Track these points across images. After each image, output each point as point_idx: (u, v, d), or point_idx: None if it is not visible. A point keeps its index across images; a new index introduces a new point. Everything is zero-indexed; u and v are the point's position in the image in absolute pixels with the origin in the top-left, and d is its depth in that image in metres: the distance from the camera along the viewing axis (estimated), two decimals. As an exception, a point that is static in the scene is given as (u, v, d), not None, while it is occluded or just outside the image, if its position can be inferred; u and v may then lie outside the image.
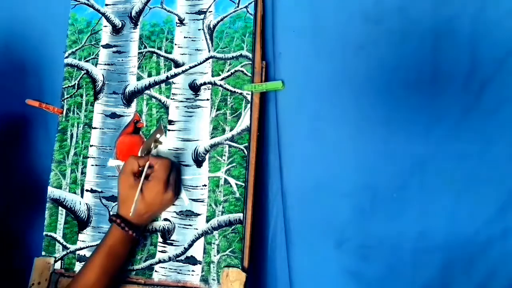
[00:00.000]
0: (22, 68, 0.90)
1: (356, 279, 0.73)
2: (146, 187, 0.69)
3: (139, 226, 0.71)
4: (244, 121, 0.74)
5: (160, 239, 0.75)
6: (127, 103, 0.80)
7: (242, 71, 0.75)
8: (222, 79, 0.76)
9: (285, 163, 0.76)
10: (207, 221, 0.74)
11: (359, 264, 0.73)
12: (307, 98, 0.75)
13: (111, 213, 0.78)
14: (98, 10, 0.84)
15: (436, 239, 0.70)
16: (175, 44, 0.79)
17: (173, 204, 0.75)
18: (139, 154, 0.76)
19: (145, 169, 0.70)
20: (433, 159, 0.70)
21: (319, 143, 0.74)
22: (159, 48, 0.80)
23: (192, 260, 0.73)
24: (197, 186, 0.75)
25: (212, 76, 0.77)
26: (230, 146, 0.74)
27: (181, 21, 0.79)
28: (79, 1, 0.85)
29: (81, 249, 0.79)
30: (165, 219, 0.75)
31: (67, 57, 0.84)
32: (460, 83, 0.68)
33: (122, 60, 0.82)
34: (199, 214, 0.74)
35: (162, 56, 0.80)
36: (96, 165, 0.80)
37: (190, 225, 0.74)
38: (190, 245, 0.74)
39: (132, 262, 0.75)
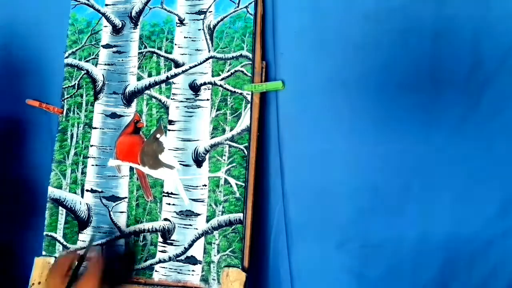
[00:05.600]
0: (22, 68, 0.90)
1: (357, 279, 0.73)
2: (77, 286, 0.62)
3: None
4: (244, 121, 0.74)
5: (160, 239, 0.75)
6: (127, 103, 0.80)
7: (242, 71, 0.75)
8: (222, 79, 0.76)
9: (286, 163, 0.76)
10: (207, 221, 0.74)
11: (360, 264, 0.73)
12: (307, 98, 0.75)
13: (111, 213, 0.78)
14: (98, 10, 0.84)
15: (436, 239, 0.70)
16: (175, 44, 0.79)
17: (173, 204, 0.75)
18: (139, 156, 0.76)
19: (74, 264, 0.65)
20: (434, 159, 0.70)
21: (320, 143, 0.74)
22: (159, 48, 0.80)
23: (192, 260, 0.73)
24: (197, 186, 0.75)
25: (212, 76, 0.77)
26: (230, 146, 0.74)
27: (181, 21, 0.79)
28: (79, 1, 0.85)
29: (81, 249, 0.79)
30: (165, 219, 0.75)
31: (67, 57, 0.84)
32: (461, 83, 0.68)
33: (122, 60, 0.82)
34: (199, 214, 0.74)
35: (162, 56, 0.80)
36: (96, 165, 0.80)
37: (190, 225, 0.74)
38: (190, 245, 0.74)
39: (132, 262, 0.75)
